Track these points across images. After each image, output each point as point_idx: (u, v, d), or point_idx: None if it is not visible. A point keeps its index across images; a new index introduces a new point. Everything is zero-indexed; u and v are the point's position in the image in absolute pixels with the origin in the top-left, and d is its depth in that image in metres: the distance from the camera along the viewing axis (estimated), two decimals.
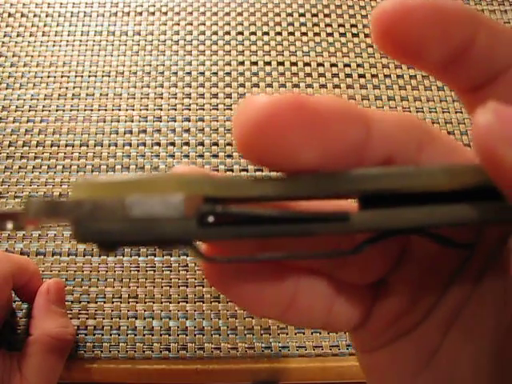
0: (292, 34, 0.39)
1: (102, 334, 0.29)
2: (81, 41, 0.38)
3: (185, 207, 0.09)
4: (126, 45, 0.38)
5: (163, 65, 0.37)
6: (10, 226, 0.10)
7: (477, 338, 0.12)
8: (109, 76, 0.37)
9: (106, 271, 0.31)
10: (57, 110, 0.35)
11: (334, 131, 0.09)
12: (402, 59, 0.11)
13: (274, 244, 0.12)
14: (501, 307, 0.12)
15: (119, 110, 0.35)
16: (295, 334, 0.29)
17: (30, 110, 0.35)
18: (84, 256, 0.31)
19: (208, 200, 0.10)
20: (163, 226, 0.09)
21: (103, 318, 0.29)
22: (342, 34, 0.39)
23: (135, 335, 0.29)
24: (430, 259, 0.13)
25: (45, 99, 0.36)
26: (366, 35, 0.39)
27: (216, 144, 0.34)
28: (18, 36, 0.38)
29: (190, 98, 0.36)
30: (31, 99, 0.36)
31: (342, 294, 0.13)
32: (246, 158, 0.10)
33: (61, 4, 0.40)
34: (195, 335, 0.29)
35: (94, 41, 0.38)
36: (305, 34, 0.39)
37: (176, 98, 0.36)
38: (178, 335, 0.29)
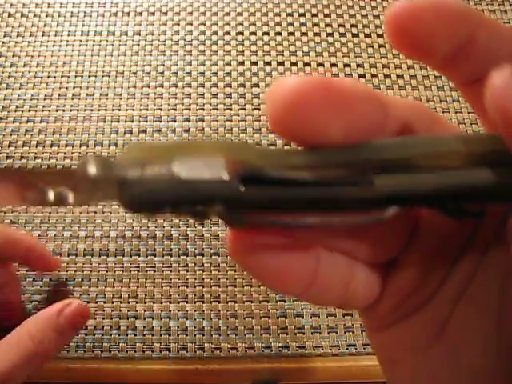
0: (292, 34, 0.39)
1: (102, 334, 0.29)
2: (81, 41, 0.38)
3: (226, 170, 0.10)
4: (126, 45, 0.38)
5: (163, 65, 0.37)
6: (70, 197, 0.11)
7: (484, 310, 0.13)
8: (109, 76, 0.37)
9: (106, 271, 0.31)
10: (57, 110, 0.35)
11: (357, 110, 0.11)
12: (413, 55, 0.12)
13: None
14: (505, 280, 0.12)
15: (119, 110, 0.35)
16: (295, 334, 0.29)
17: (29, 110, 0.35)
18: (84, 256, 0.31)
19: (247, 166, 0.10)
20: (206, 186, 0.10)
21: (103, 318, 0.29)
22: (342, 34, 0.39)
23: (135, 335, 0.29)
24: (438, 237, 0.14)
25: (45, 99, 0.36)
26: (366, 35, 0.39)
27: None
28: (18, 36, 0.38)
29: (189, 98, 0.36)
30: (31, 99, 0.36)
31: (358, 273, 0.14)
32: (277, 134, 0.11)
33: (61, 4, 0.40)
34: (195, 335, 0.29)
35: (93, 41, 0.38)
36: (305, 33, 0.39)
37: (176, 97, 0.36)
38: (178, 335, 0.29)
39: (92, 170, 0.11)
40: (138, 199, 0.10)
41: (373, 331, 0.16)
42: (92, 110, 0.35)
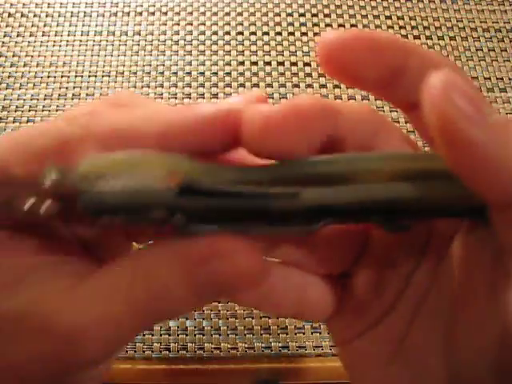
0: (292, 34, 0.39)
1: None
2: (81, 41, 0.38)
3: (167, 181, 0.11)
4: (126, 45, 0.38)
5: (163, 65, 0.37)
6: (29, 202, 0.12)
7: (440, 326, 0.13)
8: (109, 76, 0.37)
9: None
10: (57, 110, 0.35)
11: (315, 128, 0.12)
12: (343, 82, 0.13)
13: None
14: (454, 298, 0.13)
15: None
16: (295, 334, 0.29)
17: (30, 110, 0.35)
18: None
19: (187, 178, 0.12)
20: (149, 194, 0.11)
21: None
22: None
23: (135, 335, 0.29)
24: (387, 251, 0.14)
25: (45, 99, 0.36)
26: None
27: None
28: (18, 36, 0.38)
29: (190, 98, 0.36)
30: (31, 99, 0.36)
31: (312, 284, 0.15)
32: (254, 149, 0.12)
33: (61, 4, 0.40)
34: (195, 335, 0.29)
35: (93, 41, 0.38)
36: (305, 33, 0.39)
37: (176, 97, 0.36)
38: (178, 335, 0.29)
39: (51, 179, 0.11)
40: (91, 207, 0.11)
41: (338, 344, 0.16)
42: None
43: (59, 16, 0.39)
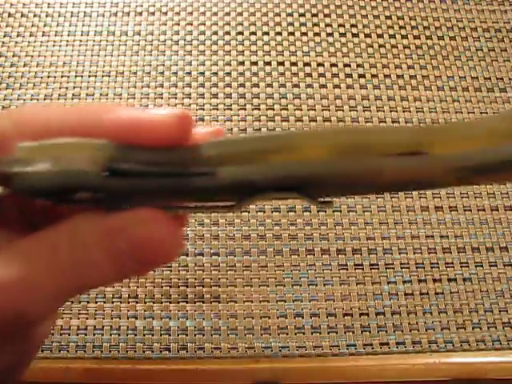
0: (292, 33, 0.39)
1: (102, 334, 0.29)
2: (81, 41, 0.38)
3: (92, 164, 0.13)
4: (126, 45, 0.38)
5: (163, 65, 0.37)
6: None
7: None
8: (109, 76, 0.37)
9: None
10: None
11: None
12: None
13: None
14: None
15: None
16: (295, 334, 0.29)
17: None
18: None
19: (110, 161, 0.13)
20: (75, 176, 0.13)
21: (103, 318, 0.29)
22: (342, 34, 0.39)
23: (135, 335, 0.29)
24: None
25: (45, 99, 0.36)
26: (366, 35, 0.39)
27: None
28: (17, 36, 0.38)
29: (189, 98, 0.36)
30: (31, 99, 0.36)
31: None
32: None
33: (61, 4, 0.40)
34: (195, 335, 0.29)
35: (93, 41, 0.38)
36: (305, 33, 0.39)
37: (176, 97, 0.36)
38: (177, 335, 0.29)
39: None
40: (24, 189, 0.13)
41: None
42: None
43: (59, 16, 0.39)
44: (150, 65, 0.37)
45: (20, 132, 0.13)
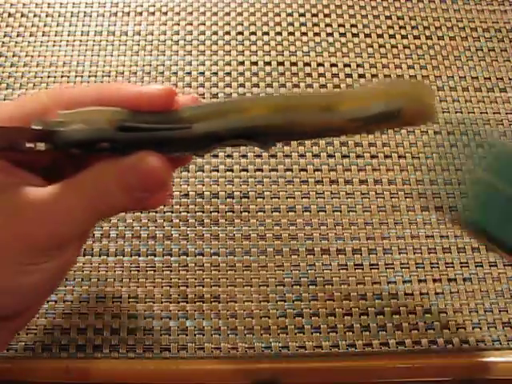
0: (292, 34, 0.39)
1: (102, 334, 0.29)
2: (81, 41, 0.38)
3: (107, 124, 0.18)
4: (126, 45, 0.38)
5: (163, 65, 0.37)
6: (27, 144, 0.18)
7: None
8: (109, 76, 0.37)
9: (106, 271, 0.31)
10: None
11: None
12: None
13: None
14: None
15: None
16: (295, 334, 0.29)
17: None
18: (84, 256, 0.31)
19: (120, 121, 0.19)
20: (96, 132, 0.18)
21: (103, 318, 0.29)
22: (342, 34, 0.39)
23: (135, 335, 0.29)
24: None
25: None
26: (366, 35, 0.39)
27: None
28: (17, 36, 0.38)
29: None
30: None
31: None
32: None
33: (61, 4, 0.40)
34: (195, 335, 0.29)
35: (94, 41, 0.38)
36: (305, 33, 0.39)
37: None
38: (178, 335, 0.29)
39: (37, 126, 0.18)
40: (63, 142, 0.18)
41: None
42: None
43: (59, 16, 0.39)
44: (150, 65, 0.37)
45: (56, 104, 0.19)
